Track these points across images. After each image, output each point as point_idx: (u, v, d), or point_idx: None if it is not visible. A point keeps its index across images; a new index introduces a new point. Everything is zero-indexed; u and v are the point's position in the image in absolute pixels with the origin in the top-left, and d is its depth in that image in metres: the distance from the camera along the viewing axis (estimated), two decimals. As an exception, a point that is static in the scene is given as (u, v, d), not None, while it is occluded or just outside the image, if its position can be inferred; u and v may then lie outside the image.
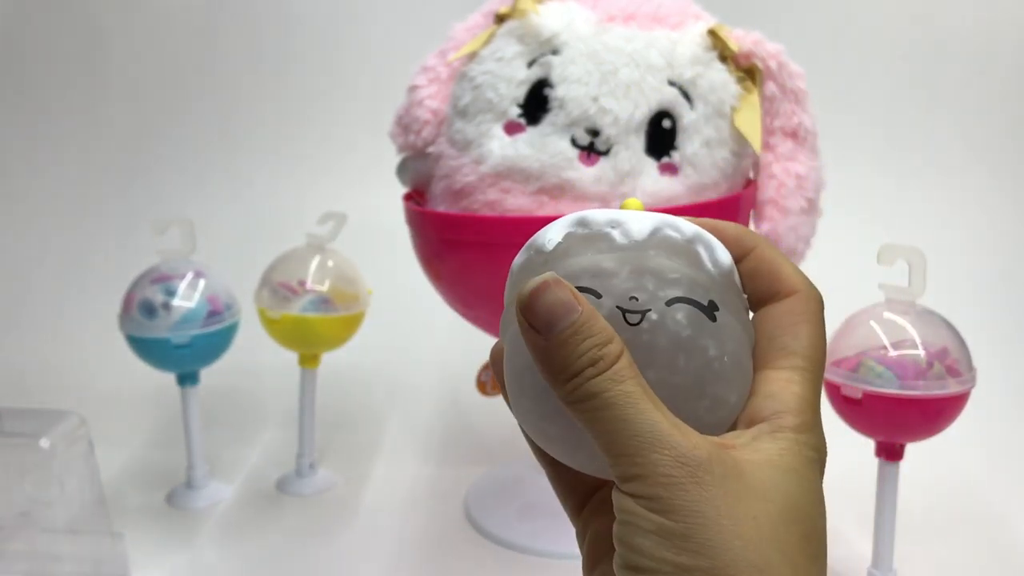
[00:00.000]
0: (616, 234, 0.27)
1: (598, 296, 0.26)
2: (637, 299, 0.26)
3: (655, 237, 0.27)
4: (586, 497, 0.29)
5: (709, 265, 0.27)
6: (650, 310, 0.26)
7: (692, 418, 0.25)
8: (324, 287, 0.74)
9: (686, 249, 0.27)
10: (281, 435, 0.90)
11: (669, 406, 0.25)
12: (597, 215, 0.28)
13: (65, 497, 0.63)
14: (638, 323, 0.26)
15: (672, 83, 0.60)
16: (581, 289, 0.26)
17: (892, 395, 0.53)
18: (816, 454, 0.25)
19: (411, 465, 0.84)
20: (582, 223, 0.28)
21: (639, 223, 0.28)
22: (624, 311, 0.26)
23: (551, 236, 0.28)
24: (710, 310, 0.26)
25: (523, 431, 0.29)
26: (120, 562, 0.64)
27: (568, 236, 0.28)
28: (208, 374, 0.76)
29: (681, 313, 0.26)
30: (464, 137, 0.62)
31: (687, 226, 0.28)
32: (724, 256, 0.28)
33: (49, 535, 0.63)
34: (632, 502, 0.23)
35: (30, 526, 0.63)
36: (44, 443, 0.61)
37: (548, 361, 0.24)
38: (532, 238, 0.29)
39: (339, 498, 0.79)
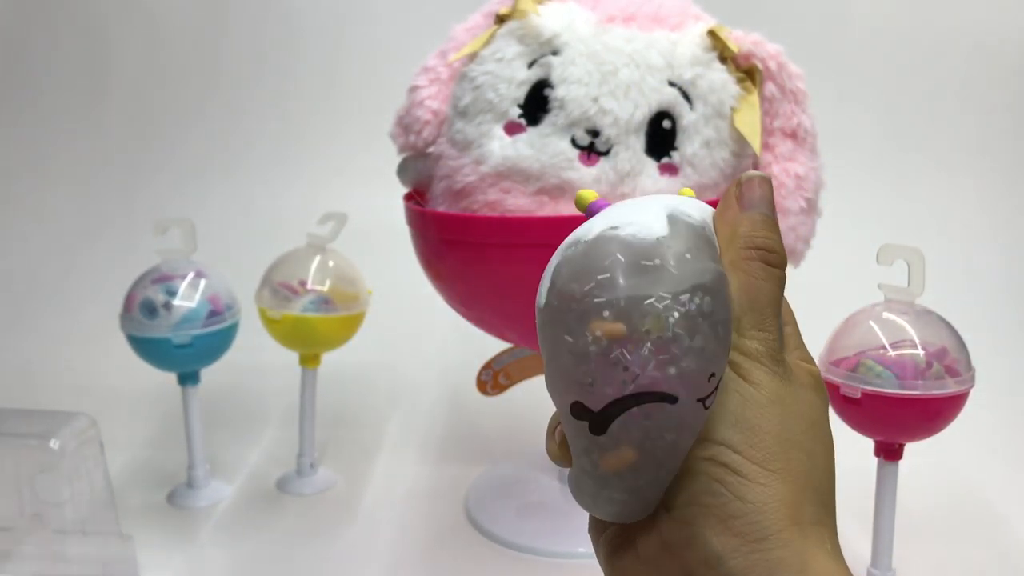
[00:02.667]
0: (622, 232, 0.26)
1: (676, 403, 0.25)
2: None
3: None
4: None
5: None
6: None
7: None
8: (324, 287, 0.74)
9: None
10: (281, 434, 0.90)
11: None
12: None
13: (75, 498, 0.63)
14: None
15: (672, 84, 0.60)
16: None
17: (891, 395, 0.54)
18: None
19: (411, 465, 0.84)
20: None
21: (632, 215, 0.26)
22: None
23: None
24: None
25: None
26: (129, 563, 0.64)
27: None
28: (209, 374, 0.76)
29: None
30: (464, 137, 0.62)
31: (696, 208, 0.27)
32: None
33: (59, 536, 0.63)
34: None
35: (41, 527, 0.63)
36: (54, 444, 0.61)
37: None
38: (571, 237, 0.28)
39: (339, 497, 0.79)
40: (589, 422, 0.24)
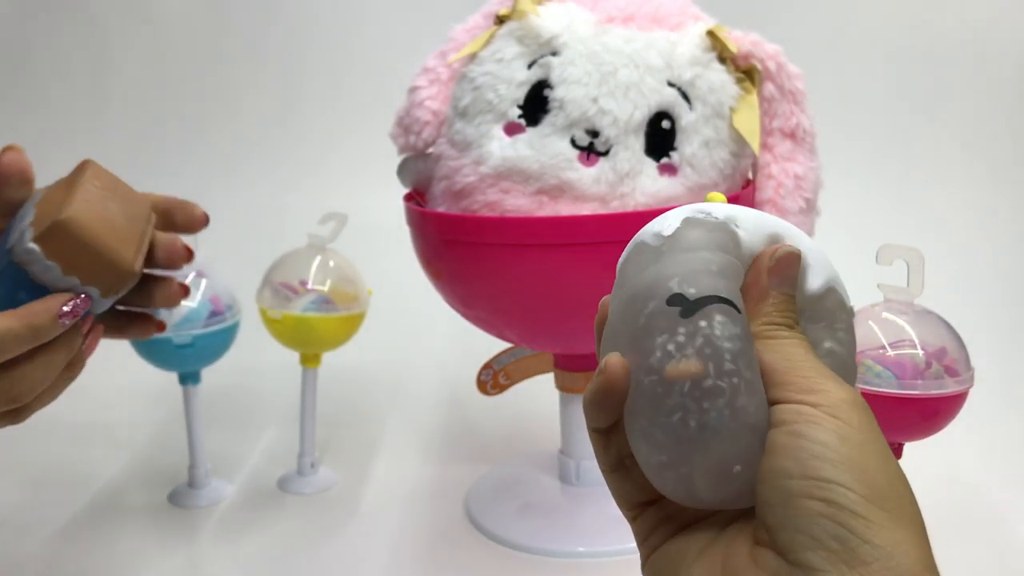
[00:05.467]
0: (741, 232, 0.28)
1: (739, 311, 0.27)
2: None
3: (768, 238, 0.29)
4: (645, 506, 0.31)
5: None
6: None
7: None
8: (325, 287, 0.74)
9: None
10: (282, 434, 0.90)
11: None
12: (719, 208, 0.29)
13: None
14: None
15: (671, 84, 0.60)
16: (723, 301, 0.26)
17: (890, 395, 0.54)
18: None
19: (411, 464, 0.85)
20: (701, 211, 0.29)
21: (750, 222, 0.29)
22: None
23: (669, 222, 0.28)
24: None
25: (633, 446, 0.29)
26: None
27: (687, 222, 0.28)
28: (210, 373, 0.76)
29: None
30: (464, 138, 0.62)
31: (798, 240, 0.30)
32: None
33: None
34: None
35: None
36: None
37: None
38: (638, 234, 0.29)
39: (340, 497, 0.79)
40: (681, 307, 0.26)
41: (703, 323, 0.26)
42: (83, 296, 0.43)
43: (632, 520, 0.31)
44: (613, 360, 0.27)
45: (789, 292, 0.29)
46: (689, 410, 0.26)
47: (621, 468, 0.30)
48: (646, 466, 0.28)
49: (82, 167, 0.47)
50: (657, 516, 0.30)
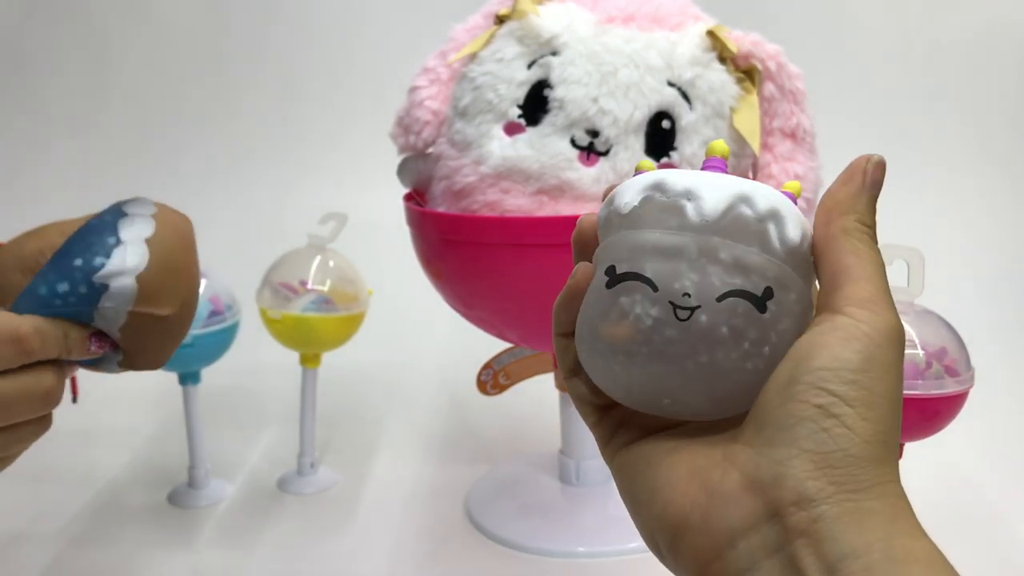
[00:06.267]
0: (690, 209, 0.28)
1: (655, 289, 0.28)
2: (690, 295, 0.28)
3: (727, 216, 0.28)
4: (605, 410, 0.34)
5: (776, 244, 0.28)
6: (699, 307, 0.28)
7: (732, 393, 0.28)
8: (325, 287, 0.74)
9: (756, 228, 0.28)
10: (282, 434, 0.90)
11: (710, 386, 0.28)
12: (676, 181, 0.29)
13: None
14: (687, 319, 0.28)
15: (671, 84, 0.60)
16: (641, 278, 0.28)
17: (890, 394, 0.54)
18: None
19: (411, 464, 0.85)
20: (659, 188, 0.29)
21: (714, 198, 0.28)
22: (676, 307, 0.28)
23: (628, 200, 0.30)
24: (763, 299, 0.28)
25: (587, 371, 0.32)
26: None
27: (644, 201, 0.29)
28: (210, 373, 0.76)
29: (728, 311, 0.28)
30: (464, 138, 0.62)
31: (763, 200, 0.28)
32: (794, 232, 0.29)
33: None
34: None
35: None
36: None
37: None
38: (612, 194, 0.31)
39: (340, 497, 0.79)
40: (608, 278, 0.29)
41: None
42: (111, 346, 0.44)
43: (595, 426, 0.34)
44: (582, 268, 0.31)
45: (876, 197, 0.30)
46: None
47: (578, 372, 0.33)
48: (587, 366, 0.31)
49: (173, 218, 0.45)
50: (615, 420, 0.33)
